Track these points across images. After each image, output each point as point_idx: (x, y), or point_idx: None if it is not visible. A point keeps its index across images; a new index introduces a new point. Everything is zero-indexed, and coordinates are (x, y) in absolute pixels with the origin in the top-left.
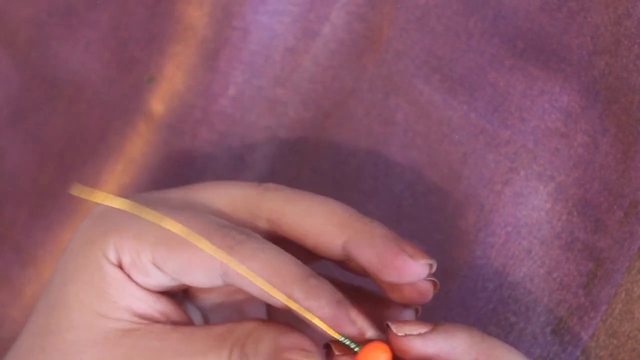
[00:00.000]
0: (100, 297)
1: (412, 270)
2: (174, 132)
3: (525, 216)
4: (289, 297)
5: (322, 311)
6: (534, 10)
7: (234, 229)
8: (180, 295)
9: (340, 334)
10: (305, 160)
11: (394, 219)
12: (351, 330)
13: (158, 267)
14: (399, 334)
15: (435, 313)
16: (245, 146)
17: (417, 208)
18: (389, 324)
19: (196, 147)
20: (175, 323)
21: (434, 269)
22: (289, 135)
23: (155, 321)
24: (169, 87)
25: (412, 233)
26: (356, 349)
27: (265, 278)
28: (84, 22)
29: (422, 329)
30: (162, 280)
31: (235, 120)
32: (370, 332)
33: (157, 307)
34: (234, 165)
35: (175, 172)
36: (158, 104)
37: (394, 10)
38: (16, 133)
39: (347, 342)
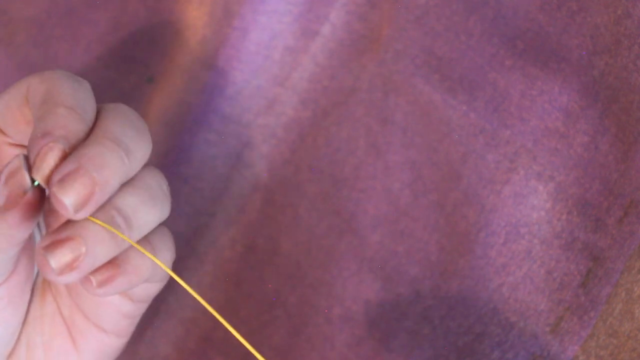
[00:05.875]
0: None
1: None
2: (172, 131)
3: (525, 216)
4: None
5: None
6: (534, 10)
7: None
8: None
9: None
10: (304, 160)
11: (393, 219)
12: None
13: None
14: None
15: (436, 313)
16: (244, 145)
17: (417, 208)
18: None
19: (194, 146)
20: None
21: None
22: (287, 134)
23: None
24: (168, 86)
25: (411, 232)
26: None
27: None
28: (84, 22)
29: None
30: None
31: (233, 119)
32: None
33: None
34: (232, 165)
35: (174, 170)
36: (157, 103)
37: (393, 10)
38: None
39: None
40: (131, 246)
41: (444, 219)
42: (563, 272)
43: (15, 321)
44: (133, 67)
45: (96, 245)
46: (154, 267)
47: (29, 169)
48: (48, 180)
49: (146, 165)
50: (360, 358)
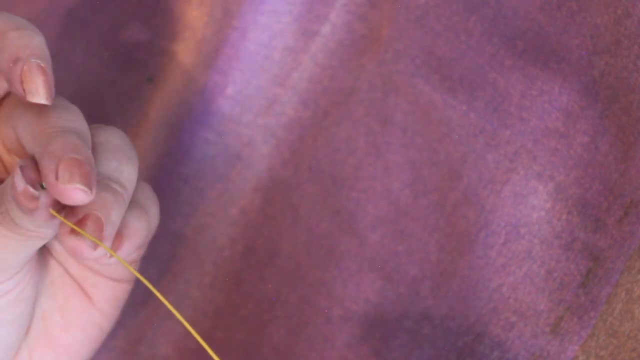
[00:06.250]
0: None
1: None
2: (172, 131)
3: (525, 216)
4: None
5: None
6: (534, 10)
7: None
8: None
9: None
10: (304, 160)
11: (393, 219)
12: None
13: None
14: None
15: (436, 313)
16: (244, 145)
17: (417, 208)
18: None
19: (194, 146)
20: None
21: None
22: (287, 134)
23: None
24: (168, 86)
25: (411, 232)
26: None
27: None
28: (84, 22)
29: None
30: None
31: (233, 119)
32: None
33: None
34: (232, 165)
35: (174, 170)
36: (157, 103)
37: (393, 10)
38: None
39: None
40: (127, 210)
41: (444, 219)
42: (563, 272)
43: (34, 295)
44: (133, 67)
45: (109, 212)
46: (150, 225)
47: (29, 176)
48: (49, 94)
49: (99, 127)
50: (360, 358)
